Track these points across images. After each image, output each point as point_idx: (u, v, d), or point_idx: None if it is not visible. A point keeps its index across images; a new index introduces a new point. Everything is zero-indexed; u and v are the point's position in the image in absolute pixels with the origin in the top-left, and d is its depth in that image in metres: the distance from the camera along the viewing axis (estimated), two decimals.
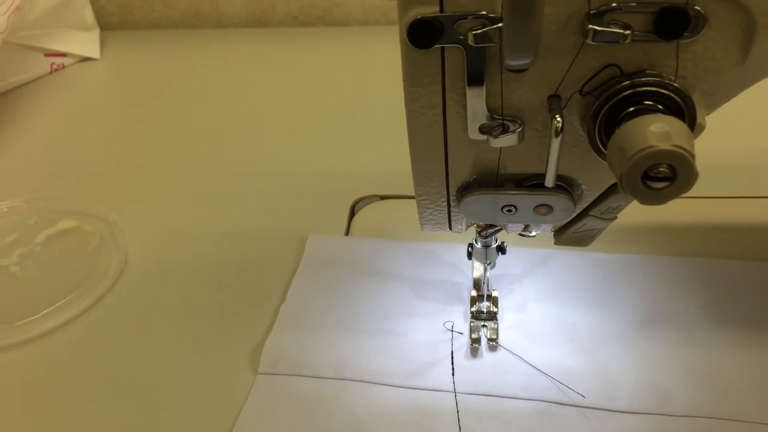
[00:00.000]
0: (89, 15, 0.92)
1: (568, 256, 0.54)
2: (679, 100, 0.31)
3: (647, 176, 0.28)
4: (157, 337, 0.52)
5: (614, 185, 0.37)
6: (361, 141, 0.73)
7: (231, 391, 0.47)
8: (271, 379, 0.47)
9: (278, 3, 0.99)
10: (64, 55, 0.90)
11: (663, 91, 0.30)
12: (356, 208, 0.63)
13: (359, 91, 0.81)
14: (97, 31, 0.94)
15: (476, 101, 0.33)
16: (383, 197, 0.64)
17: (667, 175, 0.28)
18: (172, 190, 0.68)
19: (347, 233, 0.61)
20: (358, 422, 0.44)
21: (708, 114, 0.33)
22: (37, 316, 0.53)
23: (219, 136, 0.76)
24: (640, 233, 0.56)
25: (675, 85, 0.31)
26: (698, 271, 0.53)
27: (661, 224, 0.57)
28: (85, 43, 0.92)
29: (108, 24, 1.01)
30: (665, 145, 0.27)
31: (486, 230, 0.45)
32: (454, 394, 0.46)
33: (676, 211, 0.52)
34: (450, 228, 0.43)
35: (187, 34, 0.99)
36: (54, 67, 0.90)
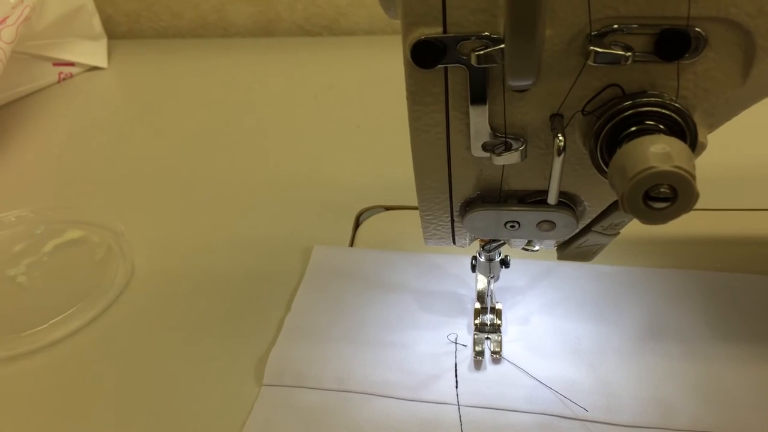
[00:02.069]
0: (97, 24, 0.93)
1: (572, 268, 0.54)
2: (680, 120, 0.31)
3: (648, 196, 0.28)
4: (162, 347, 0.52)
5: (616, 202, 0.37)
6: (366, 151, 0.73)
7: (236, 402, 0.47)
8: (275, 391, 0.48)
9: (284, 12, 0.99)
10: (72, 64, 0.91)
11: (664, 111, 0.31)
12: (361, 218, 0.64)
13: (364, 100, 0.82)
14: (104, 41, 0.95)
15: (479, 120, 0.33)
16: (388, 208, 0.64)
17: (668, 196, 0.28)
18: (179, 201, 0.68)
19: (352, 244, 0.61)
20: None
21: (710, 133, 0.33)
22: (44, 326, 0.53)
23: (225, 145, 0.76)
24: (643, 246, 0.57)
25: (676, 105, 0.31)
26: (701, 284, 0.53)
27: (664, 237, 0.57)
28: (93, 52, 0.93)
29: (116, 33, 1.02)
30: (666, 166, 0.27)
31: (489, 244, 0.45)
32: (457, 406, 0.46)
33: (679, 223, 0.51)
34: (454, 242, 0.43)
35: (193, 44, 1.00)
36: (62, 76, 0.90)
